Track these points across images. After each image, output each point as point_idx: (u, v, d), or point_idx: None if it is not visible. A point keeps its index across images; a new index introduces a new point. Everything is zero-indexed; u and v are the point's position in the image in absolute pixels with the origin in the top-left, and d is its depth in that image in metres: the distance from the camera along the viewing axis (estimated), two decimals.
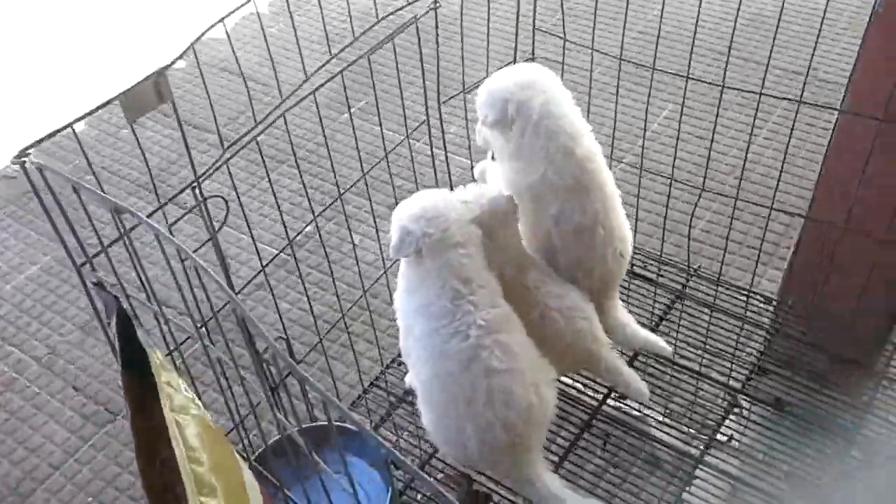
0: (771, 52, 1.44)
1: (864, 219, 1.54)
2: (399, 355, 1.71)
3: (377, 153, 3.00)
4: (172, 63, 1.04)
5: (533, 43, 1.69)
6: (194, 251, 1.19)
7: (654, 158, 2.58)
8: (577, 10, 3.46)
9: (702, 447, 1.47)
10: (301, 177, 1.38)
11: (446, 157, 1.71)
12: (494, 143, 1.58)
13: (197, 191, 1.13)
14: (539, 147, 1.48)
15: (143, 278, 1.01)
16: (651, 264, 1.82)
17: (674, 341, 1.67)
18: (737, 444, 1.48)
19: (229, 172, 1.20)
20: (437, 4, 1.47)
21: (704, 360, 1.65)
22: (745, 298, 1.73)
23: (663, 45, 3.25)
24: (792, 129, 1.53)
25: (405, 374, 1.66)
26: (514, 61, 1.68)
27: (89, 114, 0.97)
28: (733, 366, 1.62)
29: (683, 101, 1.60)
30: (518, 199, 1.54)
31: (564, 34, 1.63)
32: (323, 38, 3.60)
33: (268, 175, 1.32)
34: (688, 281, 1.76)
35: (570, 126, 1.50)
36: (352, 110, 3.22)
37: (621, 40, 1.60)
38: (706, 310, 1.70)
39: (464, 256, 1.40)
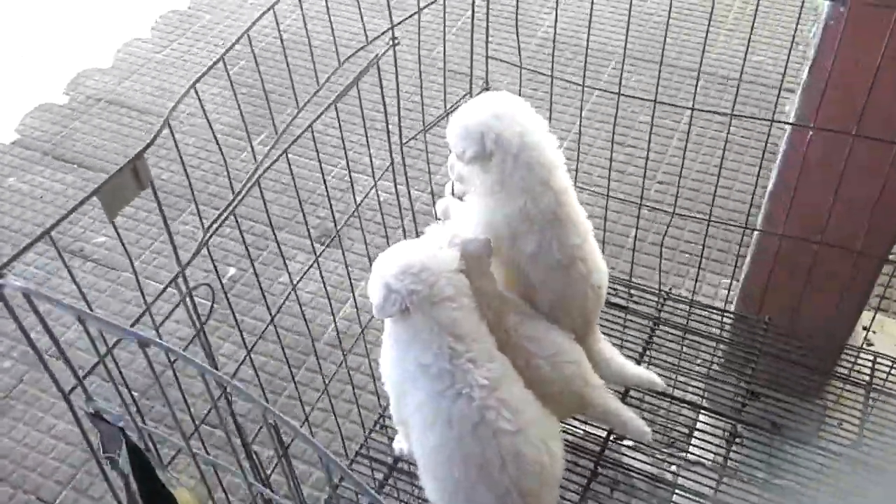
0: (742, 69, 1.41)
1: (838, 232, 1.54)
2: (380, 418, 1.59)
3: (315, 194, 2.85)
4: (150, 143, 0.89)
5: (486, 72, 1.61)
6: (184, 349, 1.04)
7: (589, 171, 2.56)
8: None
9: (714, 484, 1.43)
10: (274, 234, 1.23)
11: (410, 198, 1.60)
12: (471, 179, 1.49)
13: (182, 281, 0.98)
14: (519, 178, 1.41)
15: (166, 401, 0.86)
16: (621, 290, 1.78)
17: (659, 370, 1.62)
18: (744, 475, 1.45)
19: (209, 253, 1.05)
20: (397, 41, 1.37)
21: (691, 388, 1.61)
22: (719, 319, 1.71)
23: (603, 63, 3.25)
24: (765, 147, 1.52)
25: (391, 438, 1.54)
26: (471, 92, 1.59)
27: (67, 216, 0.81)
28: (724, 391, 1.59)
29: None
30: (494, 238, 1.47)
31: (521, 62, 1.55)
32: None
33: (247, 251, 1.16)
34: (662, 305, 1.72)
35: (546, 158, 1.43)
36: (254, 144, 3.04)
37: (584, 64, 1.54)
38: (689, 336, 1.66)
39: (455, 310, 1.30)
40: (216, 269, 1.06)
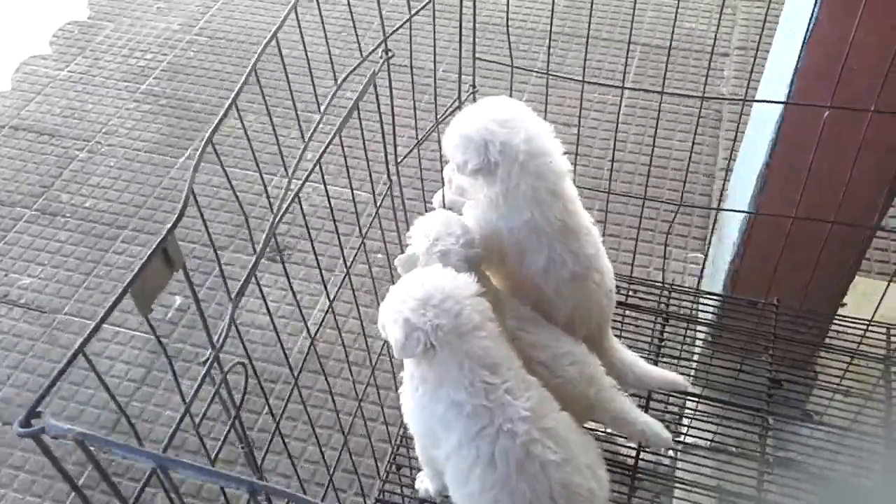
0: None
1: (848, 209, 1.51)
2: (393, 457, 1.47)
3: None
4: (177, 223, 0.74)
5: (473, 74, 1.49)
6: (220, 445, 0.91)
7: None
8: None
9: (755, 483, 1.37)
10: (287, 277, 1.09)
11: (406, 218, 1.47)
12: (473, 191, 1.38)
13: (216, 364, 0.83)
14: (526, 188, 1.31)
15: None
16: (621, 287, 1.70)
17: (675, 367, 1.56)
18: (789, 468, 1.41)
19: (237, 330, 0.90)
20: (391, 53, 1.24)
21: (712, 383, 1.56)
22: (729, 307, 1.66)
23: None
24: (778, 128, 1.45)
25: (410, 479, 1.43)
26: (459, 98, 1.47)
27: (97, 326, 0.66)
28: (746, 382, 1.54)
29: (659, 120, 1.47)
30: (498, 252, 1.37)
31: (512, 61, 1.45)
32: (129, 75, 3.15)
33: (264, 295, 1.02)
34: (669, 299, 1.66)
35: (555, 165, 1.34)
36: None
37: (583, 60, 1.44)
38: (701, 328, 1.60)
39: (484, 339, 1.20)
40: (244, 345, 0.91)
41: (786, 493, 1.38)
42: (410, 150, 1.37)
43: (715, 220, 1.80)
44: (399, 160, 1.35)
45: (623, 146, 2.78)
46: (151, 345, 2.36)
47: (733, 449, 1.49)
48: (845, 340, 1.60)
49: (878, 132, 1.40)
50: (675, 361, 1.60)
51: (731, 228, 1.82)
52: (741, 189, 1.80)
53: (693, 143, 1.57)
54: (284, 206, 0.97)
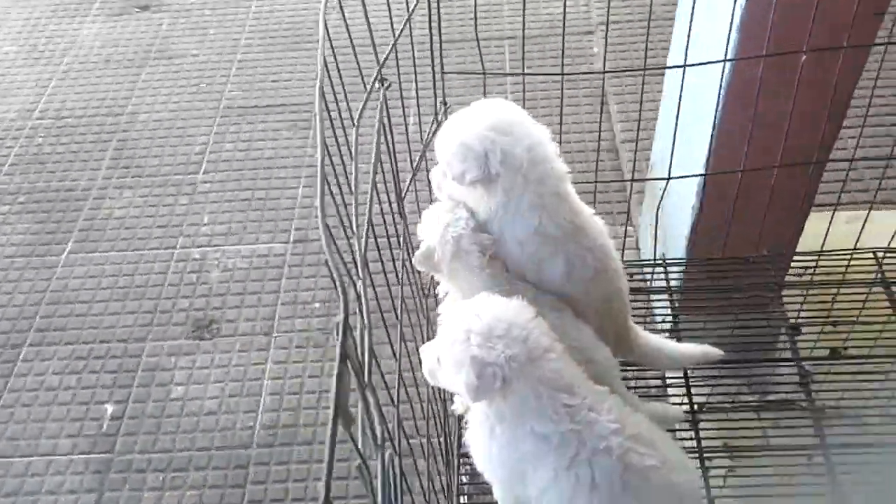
0: None
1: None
2: None
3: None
4: (346, 327, 0.61)
5: (443, 88, 1.41)
6: None
7: None
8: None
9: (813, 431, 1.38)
10: None
11: (413, 254, 1.37)
12: (472, 202, 1.29)
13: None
14: (532, 195, 1.24)
15: None
16: None
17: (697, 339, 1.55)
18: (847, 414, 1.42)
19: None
20: (388, 84, 1.13)
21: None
22: (724, 267, 1.66)
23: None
24: (738, 88, 1.46)
25: None
26: (436, 115, 1.39)
27: (330, 466, 0.53)
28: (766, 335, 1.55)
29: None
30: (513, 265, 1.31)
31: (483, 69, 1.38)
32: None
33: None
34: (667, 273, 1.64)
35: (556, 169, 1.28)
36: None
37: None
38: (707, 294, 1.60)
39: (554, 361, 1.12)
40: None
41: (845, 432, 1.39)
42: (409, 183, 1.27)
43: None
44: (402, 195, 1.25)
45: None
46: (94, 465, 2.10)
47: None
48: (833, 273, 1.64)
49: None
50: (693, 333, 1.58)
51: (683, 195, 1.83)
52: (685, 154, 1.81)
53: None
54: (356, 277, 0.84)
